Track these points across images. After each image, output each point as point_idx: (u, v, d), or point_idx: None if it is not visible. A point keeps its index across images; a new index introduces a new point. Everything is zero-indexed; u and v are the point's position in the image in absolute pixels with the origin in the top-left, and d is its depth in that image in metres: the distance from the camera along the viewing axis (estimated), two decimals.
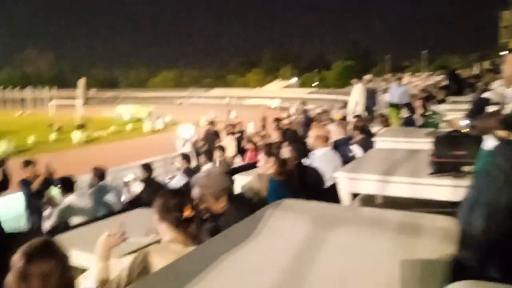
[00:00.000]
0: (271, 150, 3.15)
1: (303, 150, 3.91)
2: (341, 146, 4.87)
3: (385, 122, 8.03)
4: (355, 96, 11.84)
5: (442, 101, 11.56)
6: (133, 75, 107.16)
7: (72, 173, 5.32)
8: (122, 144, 24.80)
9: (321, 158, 4.20)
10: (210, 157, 7.20)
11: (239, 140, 11.83)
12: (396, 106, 11.77)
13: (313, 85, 72.74)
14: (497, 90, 7.21)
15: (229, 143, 11.24)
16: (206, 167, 7.07)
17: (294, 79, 77.25)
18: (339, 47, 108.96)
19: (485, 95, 7.55)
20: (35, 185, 5.65)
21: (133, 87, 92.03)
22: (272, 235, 1.35)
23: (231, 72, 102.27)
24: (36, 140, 24.38)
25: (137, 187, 5.93)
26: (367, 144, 5.27)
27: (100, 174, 5.46)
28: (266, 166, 3.10)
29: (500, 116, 2.57)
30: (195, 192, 2.38)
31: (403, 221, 1.43)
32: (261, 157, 3.25)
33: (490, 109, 4.85)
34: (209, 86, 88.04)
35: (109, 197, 5.35)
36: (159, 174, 8.86)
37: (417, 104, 11.05)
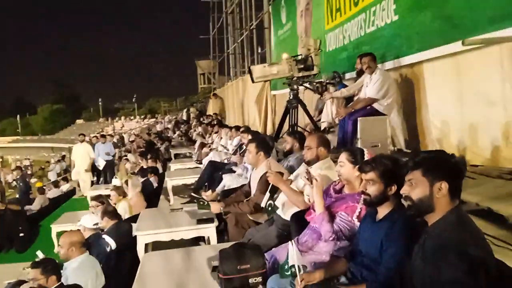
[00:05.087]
0: None
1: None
2: (93, 242, 4.20)
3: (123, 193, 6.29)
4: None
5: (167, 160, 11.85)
6: None
7: None
8: None
9: (76, 271, 3.48)
10: None
11: None
12: None
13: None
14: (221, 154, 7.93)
15: None
16: None
17: None
18: (44, 89, 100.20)
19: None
20: None
21: None
22: None
23: None
24: None
25: None
26: (120, 230, 4.71)
27: None
28: None
29: None
30: None
31: None
32: None
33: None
34: None
35: None
36: None
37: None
